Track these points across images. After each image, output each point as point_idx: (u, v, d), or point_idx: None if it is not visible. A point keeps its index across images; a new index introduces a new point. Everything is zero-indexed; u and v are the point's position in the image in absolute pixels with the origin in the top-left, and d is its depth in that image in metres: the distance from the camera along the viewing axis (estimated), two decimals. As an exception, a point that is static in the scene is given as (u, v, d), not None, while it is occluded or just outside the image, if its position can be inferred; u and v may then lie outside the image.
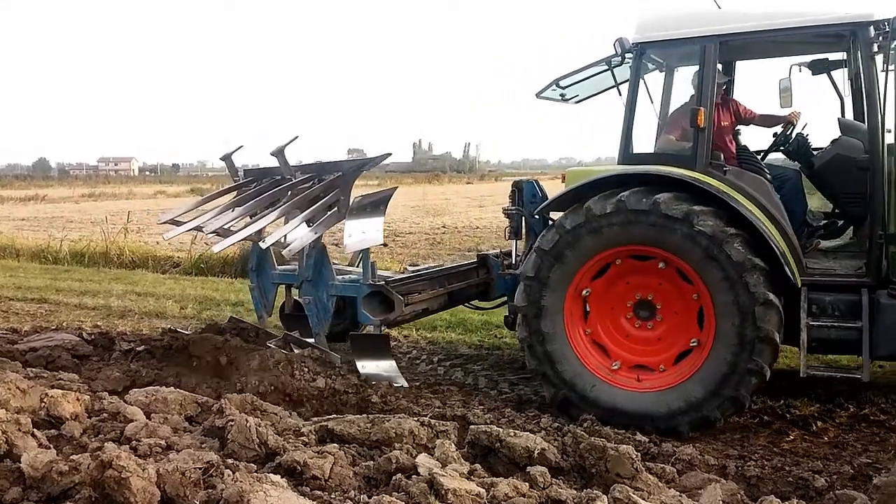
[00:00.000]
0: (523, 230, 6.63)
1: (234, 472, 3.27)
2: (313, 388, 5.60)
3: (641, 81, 5.69)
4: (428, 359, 7.43)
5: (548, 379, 5.48)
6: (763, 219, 5.13)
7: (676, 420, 5.10)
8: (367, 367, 5.97)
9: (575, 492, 3.38)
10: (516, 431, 4.04)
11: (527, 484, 3.39)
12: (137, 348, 6.59)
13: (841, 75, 6.03)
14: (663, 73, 6.40)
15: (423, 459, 3.56)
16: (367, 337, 6.31)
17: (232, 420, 3.93)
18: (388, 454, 3.65)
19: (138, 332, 8.07)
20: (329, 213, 6.24)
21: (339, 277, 6.45)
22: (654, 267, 5.31)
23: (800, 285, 5.08)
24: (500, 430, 3.99)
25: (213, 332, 6.61)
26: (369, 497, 3.23)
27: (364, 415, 4.66)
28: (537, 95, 6.90)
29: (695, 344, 5.24)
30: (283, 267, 7.05)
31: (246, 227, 6.29)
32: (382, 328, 6.22)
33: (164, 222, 6.89)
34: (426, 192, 42.43)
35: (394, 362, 6.19)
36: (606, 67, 6.26)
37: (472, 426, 4.21)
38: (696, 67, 5.57)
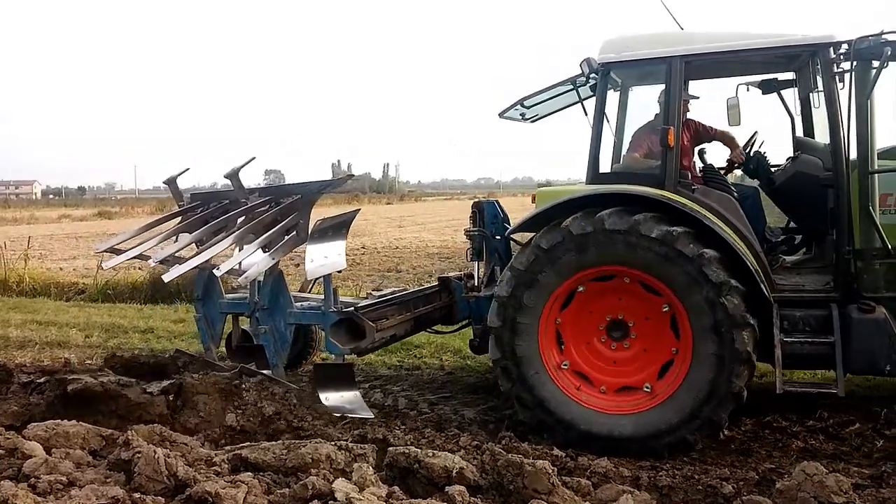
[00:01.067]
0: (485, 251, 6.58)
1: (140, 507, 3.13)
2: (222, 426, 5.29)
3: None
4: (347, 381, 7.31)
5: (501, 343, 5.40)
6: (736, 238, 5.20)
7: (590, 441, 5.13)
8: (330, 398, 5.69)
9: (493, 509, 3.40)
10: (435, 452, 4.03)
11: (445, 504, 3.39)
12: (38, 380, 6.20)
13: (791, 95, 6.23)
14: (618, 93, 6.37)
15: (339, 484, 3.51)
16: (331, 366, 6.07)
17: (139, 452, 3.77)
18: (305, 480, 3.59)
19: (39, 364, 7.62)
20: (287, 237, 5.99)
21: (298, 304, 6.19)
22: (645, 293, 5.27)
23: (772, 301, 5.14)
24: (419, 450, 3.98)
25: (109, 367, 6.28)
26: (284, 525, 3.15)
27: (279, 441, 4.54)
28: (500, 115, 6.89)
29: (647, 389, 5.26)
30: (232, 295, 6.75)
31: (198, 253, 5.96)
32: (344, 357, 5.97)
33: (104, 251, 6.53)
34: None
35: (358, 393, 5.94)
36: (571, 87, 6.34)
37: (390, 448, 4.17)
38: (657, 87, 5.64)
